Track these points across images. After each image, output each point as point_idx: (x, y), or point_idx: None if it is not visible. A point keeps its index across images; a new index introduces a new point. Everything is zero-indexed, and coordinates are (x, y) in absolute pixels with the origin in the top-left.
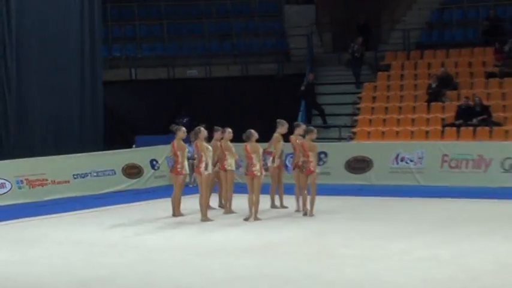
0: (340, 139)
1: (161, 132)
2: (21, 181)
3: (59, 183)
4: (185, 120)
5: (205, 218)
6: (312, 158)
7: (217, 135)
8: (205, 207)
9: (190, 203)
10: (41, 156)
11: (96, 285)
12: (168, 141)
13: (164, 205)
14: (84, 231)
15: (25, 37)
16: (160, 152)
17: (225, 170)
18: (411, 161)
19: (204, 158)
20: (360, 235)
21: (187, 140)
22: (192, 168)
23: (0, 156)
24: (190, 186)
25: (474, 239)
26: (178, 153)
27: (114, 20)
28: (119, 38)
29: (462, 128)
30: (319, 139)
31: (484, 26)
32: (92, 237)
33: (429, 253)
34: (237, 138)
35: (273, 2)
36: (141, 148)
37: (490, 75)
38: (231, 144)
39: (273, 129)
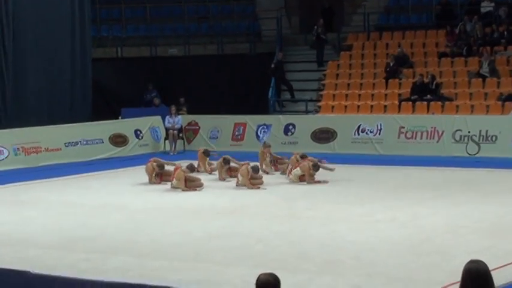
0: (306, 112)
1: (144, 105)
2: (18, 148)
3: (51, 150)
4: (153, 94)
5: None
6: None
7: None
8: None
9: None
10: (36, 126)
11: (85, 243)
12: (150, 113)
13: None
14: (75, 194)
15: (21, 20)
16: (144, 122)
17: None
18: (371, 132)
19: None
20: (324, 199)
21: (167, 112)
22: (173, 137)
23: None
24: (171, 154)
25: (428, 203)
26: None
27: (102, 3)
28: (107, 20)
29: (417, 103)
30: (288, 112)
31: (437, 11)
32: (81, 200)
33: (387, 216)
34: (213, 110)
35: None
36: (126, 119)
37: (442, 55)
38: None
39: (244, 102)
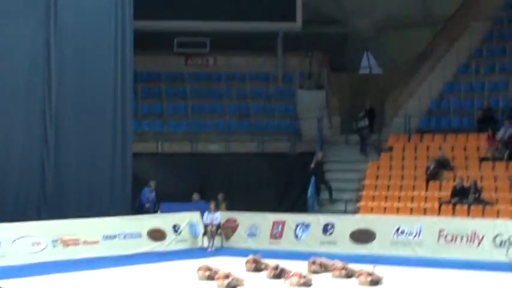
0: (345, 211)
1: (183, 200)
2: (56, 240)
3: (89, 243)
4: (152, 195)
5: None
6: None
7: None
8: None
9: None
10: (75, 218)
11: None
12: (189, 209)
13: (184, 266)
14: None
15: (63, 109)
16: (182, 218)
17: None
18: (410, 234)
19: None
20: None
21: (206, 208)
22: (211, 233)
23: (38, 217)
24: (209, 250)
25: None
26: None
27: (144, 98)
28: (148, 114)
29: (457, 206)
30: (327, 211)
31: (479, 115)
32: None
33: None
34: (252, 207)
35: (288, 87)
36: (164, 214)
37: (483, 159)
38: None
39: (283, 200)
